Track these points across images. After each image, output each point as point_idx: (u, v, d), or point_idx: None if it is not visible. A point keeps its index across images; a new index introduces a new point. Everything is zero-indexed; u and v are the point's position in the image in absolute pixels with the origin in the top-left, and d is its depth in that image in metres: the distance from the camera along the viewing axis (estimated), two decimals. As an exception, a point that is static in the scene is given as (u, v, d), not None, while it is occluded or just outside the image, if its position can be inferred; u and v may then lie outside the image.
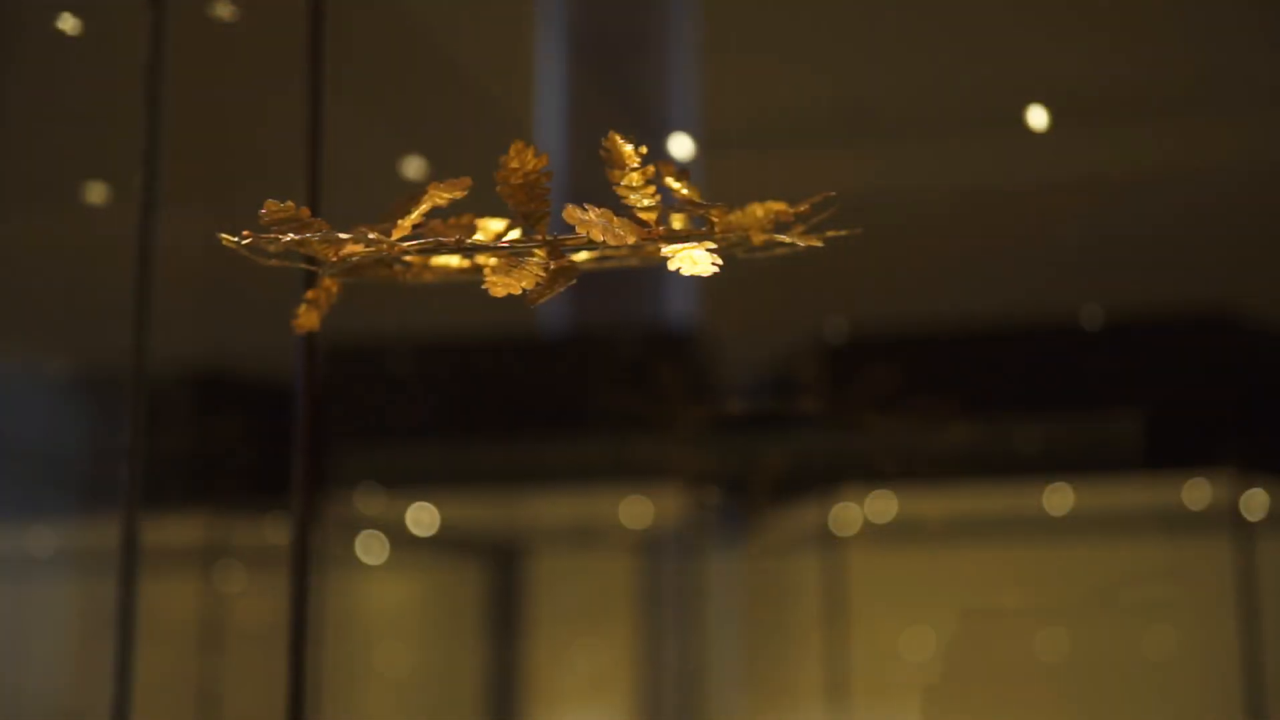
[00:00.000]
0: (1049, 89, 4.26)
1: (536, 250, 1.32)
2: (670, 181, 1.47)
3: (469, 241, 1.32)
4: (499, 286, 1.27)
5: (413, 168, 3.47)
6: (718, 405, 4.91)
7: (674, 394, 4.80)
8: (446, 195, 1.36)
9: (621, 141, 1.36)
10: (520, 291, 1.28)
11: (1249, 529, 4.63)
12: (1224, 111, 4.28)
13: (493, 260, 1.34)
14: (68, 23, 3.27)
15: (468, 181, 1.36)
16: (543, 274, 1.29)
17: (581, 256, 1.44)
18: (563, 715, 5.12)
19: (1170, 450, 4.72)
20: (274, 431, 4.80)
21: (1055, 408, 4.73)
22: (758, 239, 1.38)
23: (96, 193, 4.05)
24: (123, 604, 1.86)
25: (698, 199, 1.46)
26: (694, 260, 1.31)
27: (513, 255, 1.29)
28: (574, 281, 1.30)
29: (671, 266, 1.31)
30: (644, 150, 1.37)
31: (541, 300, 1.29)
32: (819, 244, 1.40)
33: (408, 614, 5.38)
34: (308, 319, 1.49)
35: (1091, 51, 4.10)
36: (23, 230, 4.31)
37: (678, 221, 1.53)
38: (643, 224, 1.35)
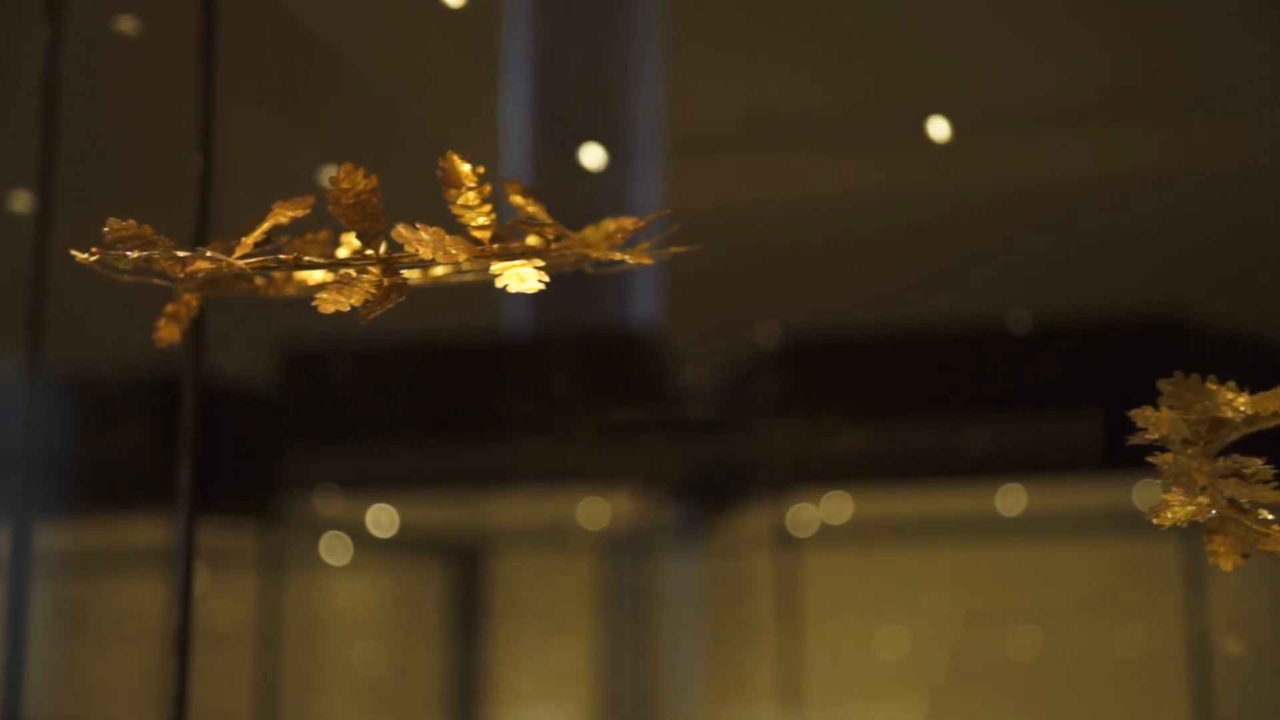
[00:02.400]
0: (999, 96, 4.31)
1: (371, 268, 1.36)
2: (516, 199, 1.51)
3: (306, 259, 1.36)
4: (328, 303, 1.31)
5: (326, 173, 3.52)
6: (674, 407, 4.96)
7: (629, 397, 4.85)
8: (289, 213, 1.40)
9: (458, 161, 1.40)
10: (349, 308, 1.32)
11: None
12: (1171, 118, 4.32)
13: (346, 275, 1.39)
14: None
15: (311, 200, 1.41)
16: (374, 291, 1.34)
17: (415, 274, 1.49)
18: (523, 714, 5.17)
19: (1122, 451, 4.75)
20: (230, 434, 4.85)
21: (1008, 409, 4.77)
22: (596, 255, 1.43)
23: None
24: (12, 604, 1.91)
25: (543, 217, 1.51)
26: (521, 278, 1.36)
27: (346, 272, 1.34)
28: (403, 298, 1.34)
29: (499, 284, 1.36)
30: (481, 170, 1.42)
31: (372, 316, 1.34)
32: (650, 262, 1.44)
33: (371, 615, 5.43)
34: (168, 332, 1.54)
35: (1037, 58, 4.14)
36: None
37: (533, 238, 1.58)
38: (477, 242, 1.39)
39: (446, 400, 4.90)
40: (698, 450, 5.04)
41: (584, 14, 4.41)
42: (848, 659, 4.94)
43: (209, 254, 1.32)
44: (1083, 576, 4.85)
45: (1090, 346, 4.71)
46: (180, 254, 1.33)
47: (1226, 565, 1.40)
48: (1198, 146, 4.36)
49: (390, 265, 1.36)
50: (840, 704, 4.92)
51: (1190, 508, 1.35)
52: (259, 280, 1.57)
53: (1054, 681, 4.85)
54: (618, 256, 1.46)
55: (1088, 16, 3.80)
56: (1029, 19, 3.87)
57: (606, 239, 1.49)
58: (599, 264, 1.53)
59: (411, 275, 1.39)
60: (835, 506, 5.02)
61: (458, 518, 5.18)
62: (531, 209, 1.52)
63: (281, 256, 1.36)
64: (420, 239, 1.34)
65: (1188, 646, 4.56)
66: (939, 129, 4.15)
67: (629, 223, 1.50)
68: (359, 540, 5.19)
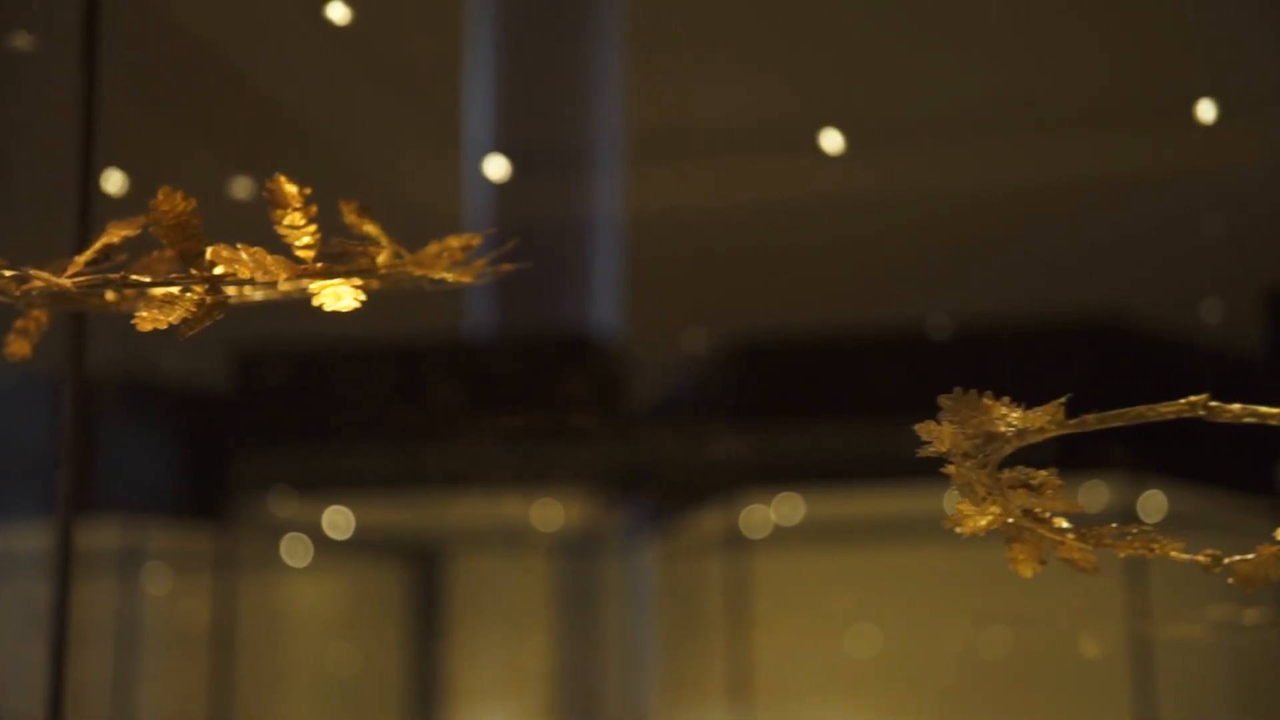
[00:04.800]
0: (946, 100, 4.35)
1: (195, 287, 1.42)
2: (350, 219, 1.56)
3: (134, 278, 1.42)
4: (147, 321, 1.37)
5: (240, 188, 3.58)
6: (628, 410, 5.01)
7: (581, 400, 4.90)
8: (120, 233, 1.46)
9: (285, 182, 1.46)
10: (167, 325, 1.37)
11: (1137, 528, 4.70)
12: (1115, 125, 4.36)
13: (198, 290, 1.44)
14: None
15: (142, 220, 1.46)
16: (195, 309, 1.39)
17: (236, 290, 1.54)
18: (481, 713, 5.22)
19: (1066, 453, 4.79)
20: (184, 436, 4.91)
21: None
22: (420, 272, 1.48)
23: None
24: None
25: (379, 235, 1.56)
26: (337, 295, 1.41)
27: (169, 291, 1.39)
28: (221, 316, 1.39)
29: (315, 302, 1.41)
30: (308, 191, 1.47)
31: (193, 333, 1.39)
32: (469, 280, 1.49)
33: (328, 616, 5.48)
34: (18, 347, 1.59)
35: (983, 65, 4.18)
36: None
37: (381, 255, 1.62)
38: (299, 261, 1.44)
39: (403, 402, 4.95)
40: (652, 452, 5.08)
41: (542, 25, 4.46)
42: (800, 658, 4.98)
43: (33, 274, 1.37)
44: (1032, 578, 4.88)
45: (1036, 349, 4.76)
46: (8, 273, 1.39)
47: (1026, 572, 1.45)
48: (1139, 155, 4.41)
49: (214, 284, 1.42)
50: (792, 702, 4.97)
51: (988, 517, 1.40)
52: (110, 295, 1.62)
53: (1007, 680, 4.89)
54: (449, 276, 1.51)
55: (1010, 24, 3.85)
56: (957, 30, 3.92)
57: (438, 258, 1.54)
58: (437, 282, 1.58)
59: (239, 291, 1.44)
60: (787, 508, 5.06)
61: (414, 519, 5.23)
62: (368, 228, 1.57)
63: (109, 276, 1.41)
64: (240, 259, 1.39)
65: (1129, 649, 4.60)
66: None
67: (456, 241, 1.54)
68: (315, 542, 5.24)
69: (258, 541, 5.11)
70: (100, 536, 4.94)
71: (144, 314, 1.37)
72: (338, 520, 5.16)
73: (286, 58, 3.54)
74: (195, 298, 1.40)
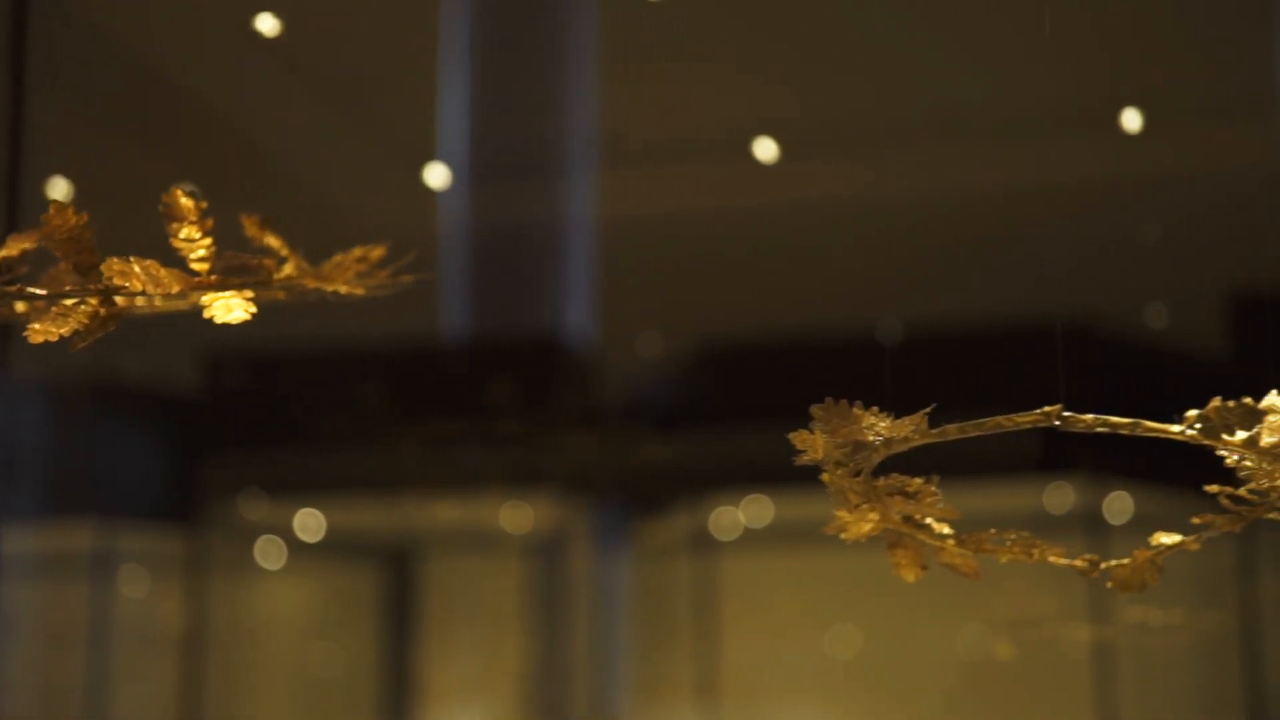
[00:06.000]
0: (909, 109, 4.38)
1: (90, 299, 1.44)
2: (252, 232, 1.59)
3: (29, 290, 1.44)
4: (38, 334, 1.39)
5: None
6: (596, 413, 5.03)
7: (551, 403, 4.92)
8: (19, 246, 1.49)
9: (181, 196, 1.48)
10: (59, 338, 1.40)
11: (1107, 531, 4.73)
12: (1079, 129, 4.38)
13: (116, 300, 1.47)
14: None
15: (38, 234, 1.49)
16: (86, 321, 1.42)
17: (130, 302, 1.56)
18: (452, 713, 5.25)
19: (1030, 456, 4.81)
20: (155, 438, 4.93)
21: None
22: (314, 285, 1.51)
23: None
24: None
25: (280, 247, 1.59)
26: (228, 308, 1.44)
27: (61, 303, 1.42)
28: (114, 328, 1.42)
29: (206, 314, 1.44)
30: (204, 204, 1.50)
31: (85, 344, 1.42)
32: (362, 292, 1.52)
33: (299, 617, 5.50)
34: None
35: (946, 73, 4.20)
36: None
37: (287, 267, 1.65)
38: (193, 273, 1.47)
39: (374, 405, 4.97)
40: (622, 455, 5.11)
41: (513, 34, 4.48)
42: (770, 659, 5.01)
43: (-70, 286, 1.40)
44: (997, 580, 4.91)
45: (999, 353, 4.78)
46: (-96, 286, 1.42)
47: (909, 577, 1.48)
48: (1104, 159, 4.43)
49: (107, 295, 1.44)
50: (761, 703, 5.00)
51: (869, 524, 1.43)
52: (20, 306, 1.64)
53: (970, 680, 4.91)
54: (343, 289, 1.54)
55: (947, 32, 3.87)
56: (923, 40, 3.95)
57: (337, 271, 1.57)
58: (338, 294, 1.61)
59: (133, 302, 1.47)
60: (756, 510, 5.09)
61: (385, 522, 5.25)
62: (269, 241, 1.60)
63: (6, 289, 1.44)
64: (131, 273, 1.42)
65: (1092, 649, 4.63)
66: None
67: (358, 253, 1.57)
68: (287, 544, 5.27)
69: (229, 544, 5.14)
70: (73, 540, 4.98)
71: (35, 326, 1.39)
72: (309, 523, 5.19)
73: (234, 72, 3.57)
74: (90, 310, 1.42)
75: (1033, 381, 4.77)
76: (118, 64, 3.21)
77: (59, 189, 2.76)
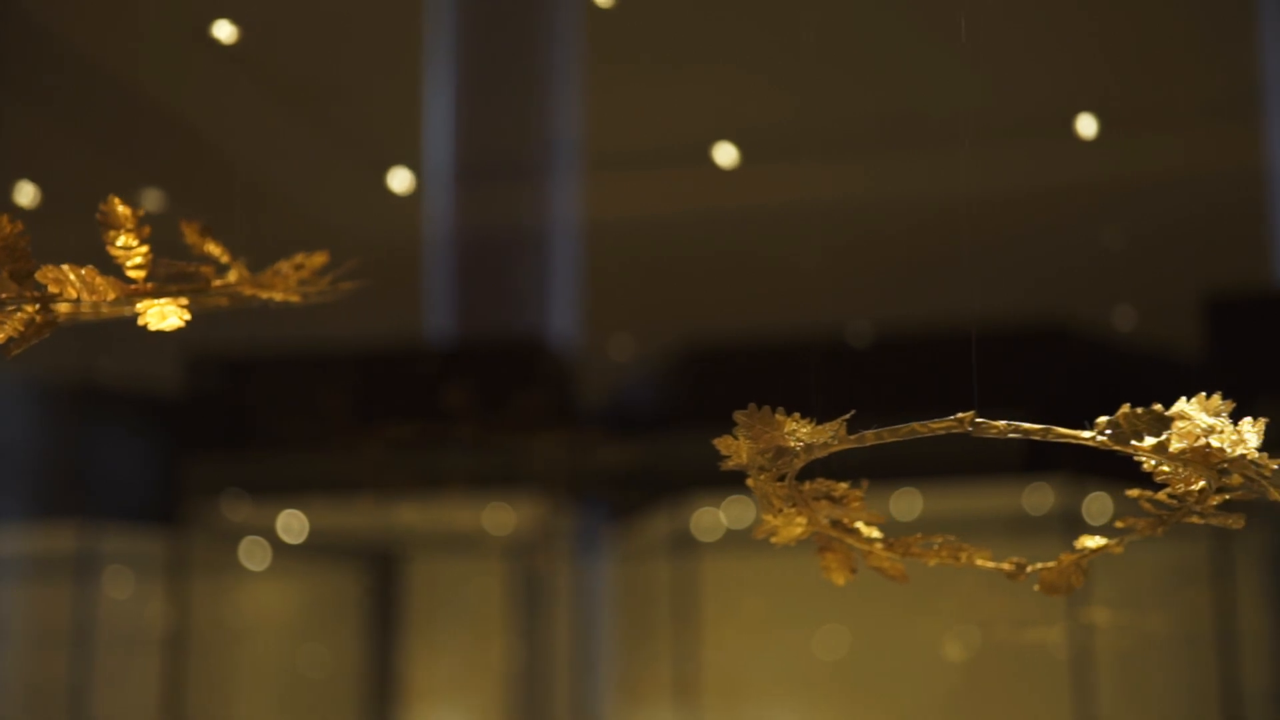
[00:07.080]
0: (893, 113, 4.40)
1: (26, 306, 1.46)
2: (192, 239, 1.61)
3: (-28, 298, 1.46)
4: (-26, 340, 1.41)
5: (149, 200, 3.62)
6: (577, 415, 5.05)
7: (534, 404, 4.94)
8: (-39, 255, 1.50)
9: (118, 204, 1.50)
10: (-5, 345, 1.42)
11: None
12: (1049, 135, 4.40)
13: (63, 306, 1.49)
14: None
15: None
16: (22, 328, 1.44)
17: (67, 308, 1.58)
18: (436, 713, 5.27)
19: (1011, 457, 4.83)
20: (138, 440, 4.95)
21: (900, 415, 4.85)
22: (251, 292, 1.53)
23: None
24: None
25: (220, 254, 1.61)
26: (163, 314, 1.46)
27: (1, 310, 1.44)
28: (49, 334, 1.44)
29: (140, 321, 1.46)
30: (141, 212, 1.52)
31: (20, 351, 1.44)
32: (298, 300, 1.54)
33: (282, 618, 5.52)
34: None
35: (928, 80, 4.22)
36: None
37: (231, 274, 1.67)
38: (130, 281, 1.49)
39: (355, 407, 4.99)
40: (603, 456, 5.13)
41: (498, 39, 4.50)
42: (751, 659, 5.03)
43: None
44: (982, 580, 4.92)
45: (981, 354, 4.78)
46: None
47: (838, 580, 1.50)
48: (1075, 164, 4.45)
49: (43, 302, 1.46)
50: (741, 702, 5.01)
51: (797, 528, 1.44)
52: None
53: (950, 681, 4.93)
54: (279, 296, 1.56)
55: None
56: (907, 47, 3.97)
57: (276, 278, 1.59)
58: (275, 302, 1.63)
59: (67, 309, 1.49)
60: (737, 511, 5.10)
61: (368, 523, 5.27)
62: (210, 248, 1.61)
63: (-54, 296, 1.46)
64: (66, 280, 1.44)
65: (1070, 647, 4.64)
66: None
67: (298, 259, 1.59)
68: (271, 546, 5.29)
69: (213, 546, 5.16)
70: (57, 541, 5.00)
71: (-30, 335, 1.41)
72: (292, 524, 5.20)
73: (208, 80, 3.59)
74: (25, 316, 1.44)
75: (1005, 384, 4.79)
76: (92, 73, 3.23)
77: (26, 194, 2.78)
